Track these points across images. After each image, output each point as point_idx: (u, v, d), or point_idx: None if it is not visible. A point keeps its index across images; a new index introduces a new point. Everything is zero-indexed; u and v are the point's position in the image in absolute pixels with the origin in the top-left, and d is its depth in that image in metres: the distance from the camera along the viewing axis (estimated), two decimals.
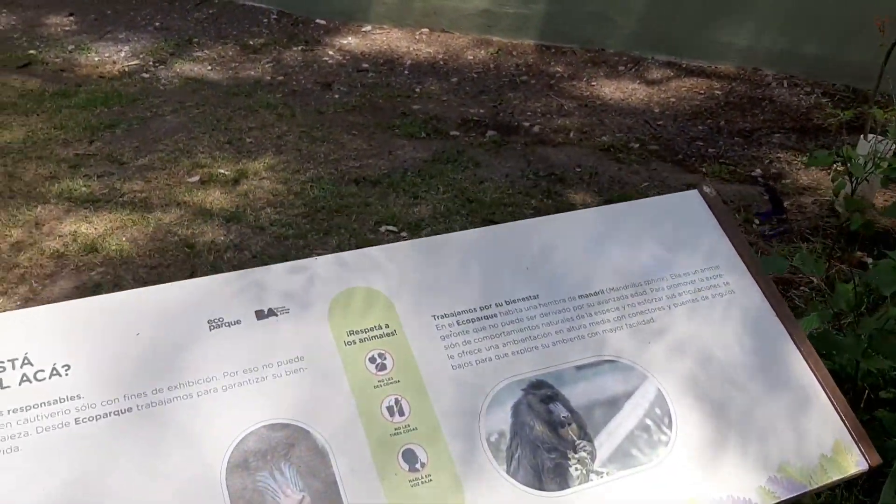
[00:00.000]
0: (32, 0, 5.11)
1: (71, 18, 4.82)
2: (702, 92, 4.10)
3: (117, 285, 2.45)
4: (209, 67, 4.23)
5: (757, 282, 1.22)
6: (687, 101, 4.01)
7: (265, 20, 4.88)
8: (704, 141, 3.62)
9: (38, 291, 2.41)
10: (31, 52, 4.31)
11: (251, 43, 4.57)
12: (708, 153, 3.52)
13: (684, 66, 4.36)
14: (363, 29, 4.85)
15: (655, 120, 3.82)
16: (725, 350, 1.13)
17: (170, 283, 0.96)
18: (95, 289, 2.43)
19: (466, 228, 2.87)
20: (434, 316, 1.04)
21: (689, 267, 1.20)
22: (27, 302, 2.37)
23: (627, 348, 1.08)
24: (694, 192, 1.31)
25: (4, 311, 2.30)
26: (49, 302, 2.37)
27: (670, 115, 3.87)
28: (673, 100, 4.02)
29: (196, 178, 3.09)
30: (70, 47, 4.40)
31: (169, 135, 3.44)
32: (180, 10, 4.97)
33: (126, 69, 4.16)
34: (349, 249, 2.68)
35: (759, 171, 3.33)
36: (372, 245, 2.70)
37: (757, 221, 2.91)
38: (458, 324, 1.04)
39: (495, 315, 1.06)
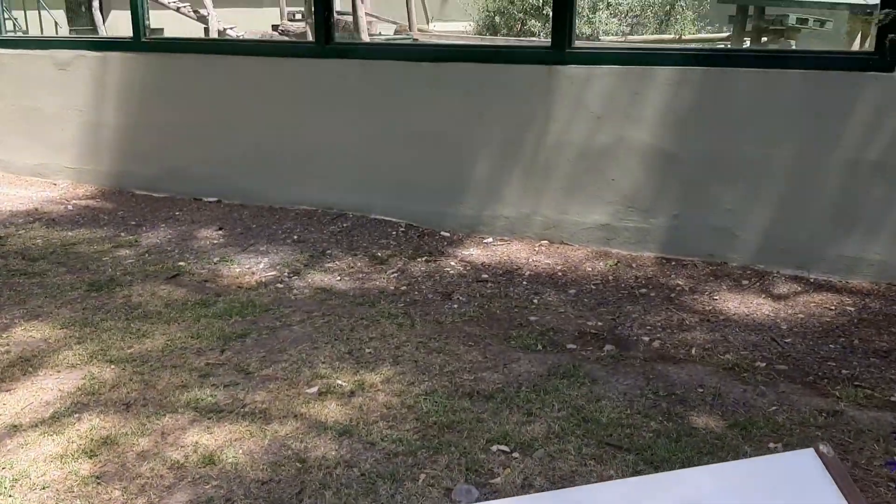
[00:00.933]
0: (189, 216, 5.64)
1: (220, 232, 5.27)
2: (832, 308, 3.94)
3: (229, 500, 2.49)
4: (338, 278, 4.46)
5: None
6: (816, 317, 3.86)
7: (394, 233, 5.16)
8: (837, 361, 3.43)
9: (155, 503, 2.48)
10: (181, 263, 4.71)
11: (379, 254, 4.82)
12: (841, 374, 3.32)
13: (812, 280, 4.24)
14: (485, 241, 5.03)
15: (783, 337, 3.67)
16: None
17: None
18: (208, 503, 2.47)
19: (581, 450, 2.78)
20: None
21: None
22: None
23: None
24: (809, 451, 1.22)
25: None
26: None
27: (799, 332, 3.72)
28: (801, 316, 3.87)
29: (315, 390, 3.18)
30: (216, 259, 4.77)
31: (294, 345, 3.59)
32: (318, 224, 5.35)
33: (263, 280, 4.45)
34: (458, 470, 2.64)
35: None
36: (482, 466, 2.65)
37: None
38: None
39: None
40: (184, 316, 3.92)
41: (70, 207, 5.96)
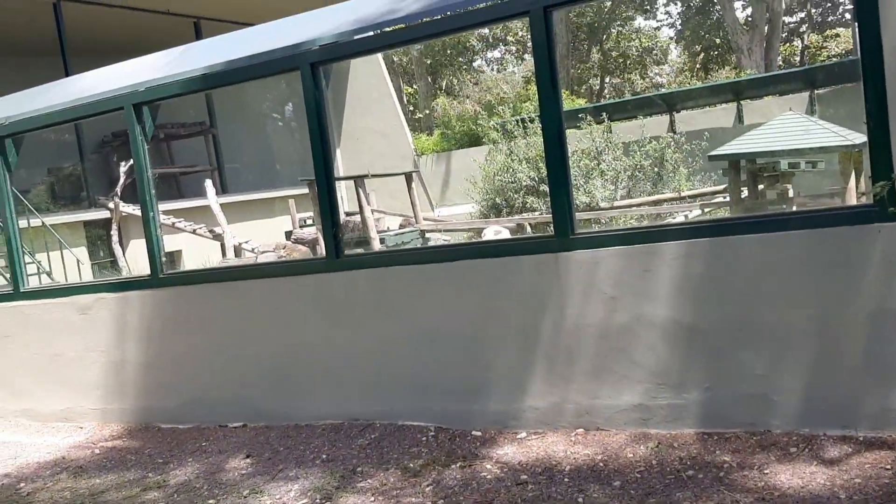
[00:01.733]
0: (216, 445, 5.57)
1: (248, 461, 5.17)
2: (888, 467, 3.75)
3: None
4: (371, 499, 4.31)
5: None
6: (874, 480, 3.66)
7: (424, 438, 5.05)
8: None
9: None
10: (211, 501, 4.58)
11: (411, 465, 4.68)
12: None
13: (861, 438, 4.07)
14: (518, 436, 4.90)
15: None
16: None
17: None
18: None
19: None
20: None
21: None
22: None
23: None
24: None
25: None
26: None
27: (859, 500, 3.52)
28: (858, 481, 3.68)
29: None
30: (245, 492, 4.65)
31: None
32: (345, 439, 5.25)
33: None
34: None
35: None
36: None
37: None
38: None
39: None
40: None
41: (97, 451, 5.90)
